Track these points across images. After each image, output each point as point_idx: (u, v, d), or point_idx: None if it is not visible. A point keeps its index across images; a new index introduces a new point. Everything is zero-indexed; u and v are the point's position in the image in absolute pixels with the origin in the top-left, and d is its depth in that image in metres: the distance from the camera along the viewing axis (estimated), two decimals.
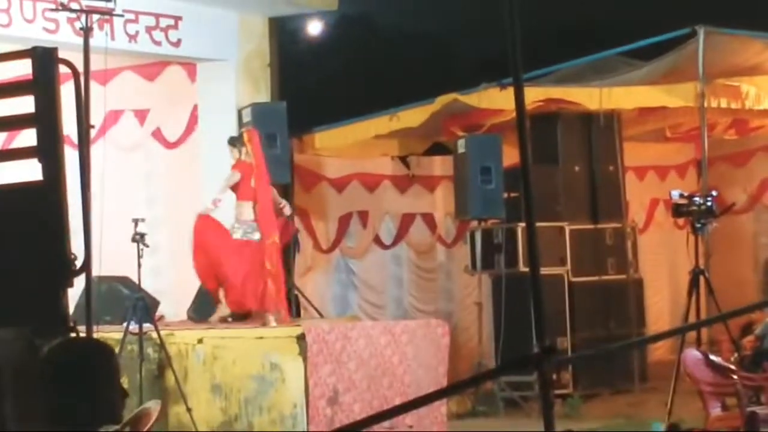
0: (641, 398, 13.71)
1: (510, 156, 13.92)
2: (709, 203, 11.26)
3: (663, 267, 17.43)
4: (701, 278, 11.29)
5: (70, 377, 3.78)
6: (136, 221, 10.76)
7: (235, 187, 11.85)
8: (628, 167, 15.58)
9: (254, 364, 10.39)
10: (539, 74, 14.85)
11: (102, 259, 8.91)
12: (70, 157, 4.76)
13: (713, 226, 11.35)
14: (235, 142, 12.02)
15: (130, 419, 8.37)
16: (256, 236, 11.72)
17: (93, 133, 10.01)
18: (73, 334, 4.92)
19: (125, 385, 10.93)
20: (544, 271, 13.07)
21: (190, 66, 14.20)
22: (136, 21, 13.09)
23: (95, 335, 8.07)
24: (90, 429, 3.80)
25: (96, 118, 10.59)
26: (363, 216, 15.64)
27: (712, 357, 10.02)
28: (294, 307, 13.41)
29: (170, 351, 10.71)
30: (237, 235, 11.78)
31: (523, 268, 13.64)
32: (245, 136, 11.98)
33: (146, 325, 10.66)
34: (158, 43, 13.42)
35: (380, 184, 15.84)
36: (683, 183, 16.98)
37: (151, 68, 14.30)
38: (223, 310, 11.91)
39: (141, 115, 14.52)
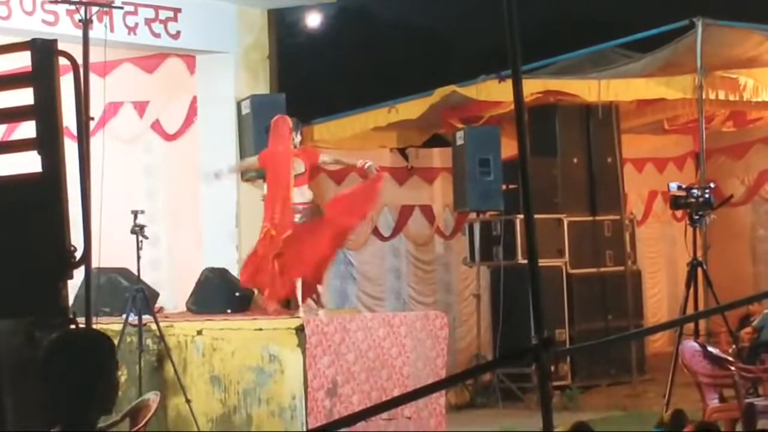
0: (639, 390, 13.74)
1: (508, 148, 13.93)
2: (706, 195, 11.26)
3: (661, 259, 17.46)
4: (699, 270, 11.30)
5: (70, 369, 3.79)
6: (135, 213, 10.77)
7: None
8: (626, 159, 15.59)
9: (253, 356, 10.41)
10: (538, 66, 14.86)
11: (101, 251, 8.91)
12: (70, 149, 4.77)
13: (711, 218, 11.36)
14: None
15: (130, 410, 8.41)
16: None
17: (92, 125, 10.00)
18: (73, 326, 4.93)
19: (124, 377, 10.98)
20: (543, 262, 13.09)
21: (189, 58, 14.21)
22: (135, 13, 13.09)
23: (95, 326, 8.09)
24: (86, 421, 3.81)
25: (95, 110, 10.57)
26: None
27: (710, 348, 10.04)
28: (293, 301, 13.42)
29: (169, 342, 10.72)
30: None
31: (521, 259, 13.65)
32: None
33: (145, 317, 10.67)
34: (157, 35, 13.42)
35: None
36: (681, 175, 16.99)
37: (151, 60, 14.30)
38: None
39: (140, 107, 14.52)
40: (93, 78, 9.94)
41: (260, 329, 10.53)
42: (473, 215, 14.39)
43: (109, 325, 10.79)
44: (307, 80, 22.17)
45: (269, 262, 11.34)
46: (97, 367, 3.84)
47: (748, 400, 9.41)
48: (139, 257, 10.72)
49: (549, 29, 22.42)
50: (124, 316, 10.71)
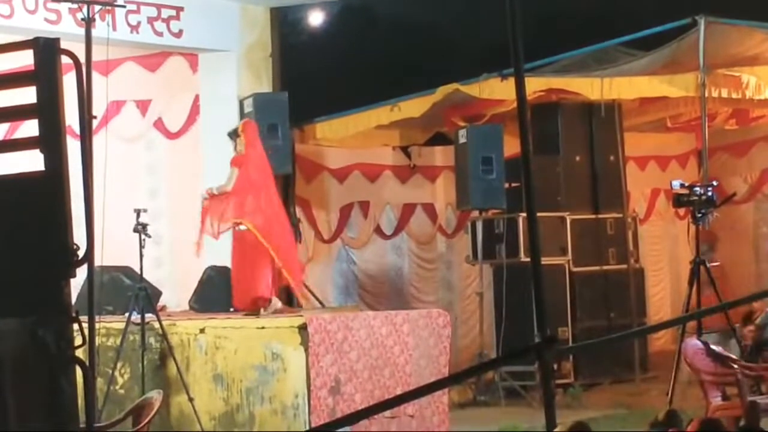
0: (642, 388, 13.74)
1: (511, 146, 13.90)
2: (709, 193, 11.27)
3: (664, 257, 17.45)
4: (702, 268, 11.30)
5: None
6: (138, 212, 10.77)
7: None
8: (629, 157, 15.60)
9: (256, 354, 10.41)
10: (540, 64, 14.85)
11: (104, 250, 8.89)
12: (72, 148, 4.76)
13: (714, 216, 11.37)
14: (231, 135, 11.81)
15: (132, 408, 8.42)
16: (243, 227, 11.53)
17: (95, 123, 10.01)
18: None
19: (127, 376, 10.98)
20: (545, 261, 13.06)
21: (191, 56, 14.21)
22: (138, 12, 13.10)
23: (97, 325, 8.09)
24: None
25: (98, 108, 10.60)
26: (364, 206, 15.65)
27: (713, 346, 10.04)
28: (294, 298, 13.42)
29: (172, 341, 10.73)
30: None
31: (524, 258, 13.65)
32: (240, 128, 11.81)
33: (148, 315, 10.69)
34: (160, 34, 13.43)
35: (381, 175, 15.85)
36: (684, 173, 16.99)
37: (153, 59, 14.31)
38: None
39: (143, 105, 14.53)
40: (95, 76, 9.95)
41: (263, 327, 10.54)
42: (476, 213, 14.39)
43: (111, 323, 10.81)
44: (310, 78, 22.13)
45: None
46: None
47: (751, 398, 9.42)
48: (141, 256, 10.72)
49: (551, 27, 22.39)
50: (126, 314, 10.72)
